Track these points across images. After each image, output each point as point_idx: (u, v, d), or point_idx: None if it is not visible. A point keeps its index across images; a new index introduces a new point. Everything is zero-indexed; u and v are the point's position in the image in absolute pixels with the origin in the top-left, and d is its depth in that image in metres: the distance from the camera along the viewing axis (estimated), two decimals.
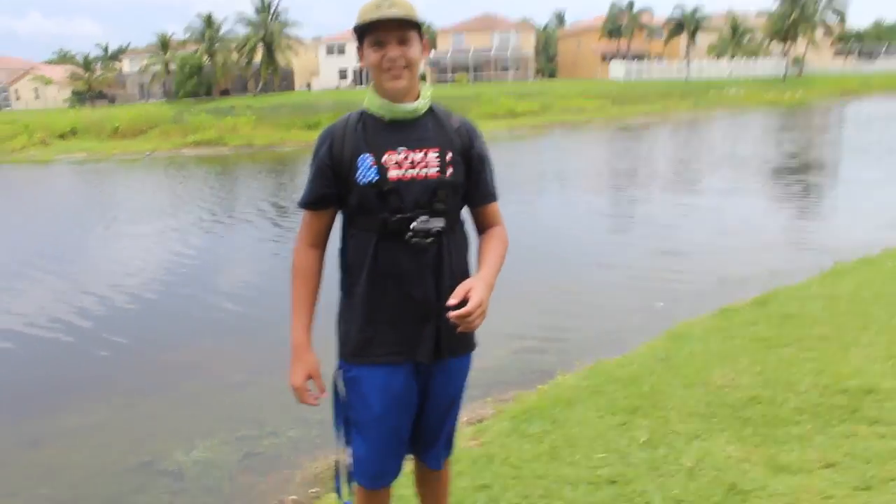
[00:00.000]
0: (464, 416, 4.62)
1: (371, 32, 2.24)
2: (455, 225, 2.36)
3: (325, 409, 5.88)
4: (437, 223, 2.26)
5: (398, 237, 2.25)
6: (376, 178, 2.24)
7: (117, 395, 6.90)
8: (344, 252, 2.41)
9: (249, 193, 19.97)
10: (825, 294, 6.75)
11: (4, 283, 11.21)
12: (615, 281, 9.26)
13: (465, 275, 2.38)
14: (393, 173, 2.25)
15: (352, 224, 2.37)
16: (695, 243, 10.96)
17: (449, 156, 2.30)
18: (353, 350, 2.38)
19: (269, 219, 15.73)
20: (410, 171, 2.26)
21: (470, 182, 2.38)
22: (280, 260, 12.06)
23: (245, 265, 11.76)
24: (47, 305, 9.87)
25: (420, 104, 2.32)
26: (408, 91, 2.29)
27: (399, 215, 2.24)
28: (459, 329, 2.18)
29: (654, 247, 10.94)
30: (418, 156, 2.27)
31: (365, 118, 2.34)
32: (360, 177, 2.25)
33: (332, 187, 2.33)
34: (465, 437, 4.25)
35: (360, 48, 2.31)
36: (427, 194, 2.26)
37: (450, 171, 2.29)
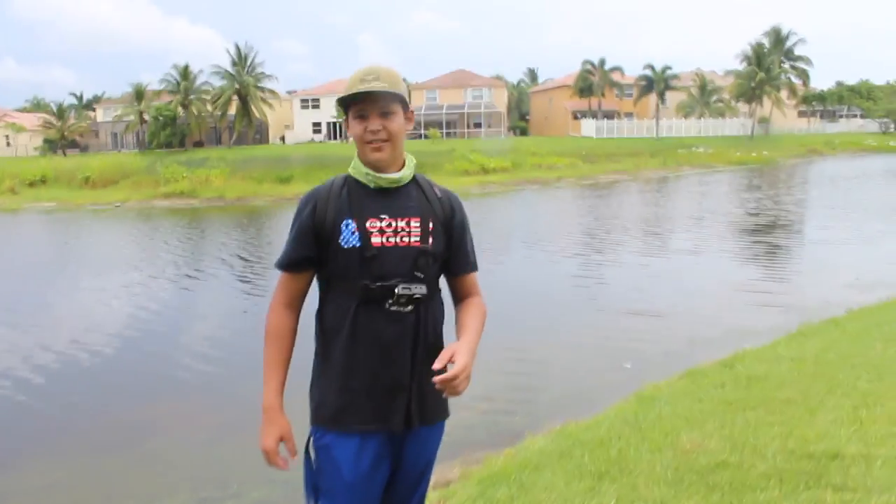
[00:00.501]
0: (431, 479, 4.55)
1: (355, 104, 2.27)
2: (433, 293, 2.36)
3: (290, 469, 5.79)
4: (419, 290, 2.26)
5: (378, 303, 2.24)
6: (359, 243, 2.25)
7: (78, 453, 6.75)
8: (320, 316, 2.38)
9: (218, 247, 19.85)
10: (791, 356, 6.80)
11: None
12: (584, 341, 9.27)
13: (439, 344, 2.38)
14: (376, 240, 2.25)
15: (330, 288, 2.35)
16: (662, 304, 11.02)
17: (431, 225, 2.32)
18: (327, 417, 2.33)
19: (236, 274, 15.64)
20: (393, 238, 2.27)
21: (450, 252, 2.40)
22: (248, 317, 11.97)
23: (211, 321, 11.64)
24: (4, 360, 9.67)
25: (404, 174, 2.34)
26: (391, 161, 2.31)
27: (380, 282, 2.23)
28: (445, 394, 2.17)
29: (622, 307, 10.99)
30: (401, 224, 2.28)
31: (350, 183, 2.36)
32: (343, 241, 2.26)
33: (312, 250, 2.32)
34: (431, 501, 4.18)
35: (345, 119, 2.34)
36: (408, 262, 2.26)
37: (431, 240, 2.30)
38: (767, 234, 18.73)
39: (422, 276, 2.28)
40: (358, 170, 2.34)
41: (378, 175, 2.29)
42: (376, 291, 2.23)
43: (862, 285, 11.55)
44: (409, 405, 2.30)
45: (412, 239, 2.28)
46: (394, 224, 2.27)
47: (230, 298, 13.19)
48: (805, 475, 4.03)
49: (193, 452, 6.52)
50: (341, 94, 2.28)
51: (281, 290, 2.40)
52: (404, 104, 2.31)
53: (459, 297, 2.50)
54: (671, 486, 4.05)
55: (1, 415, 7.83)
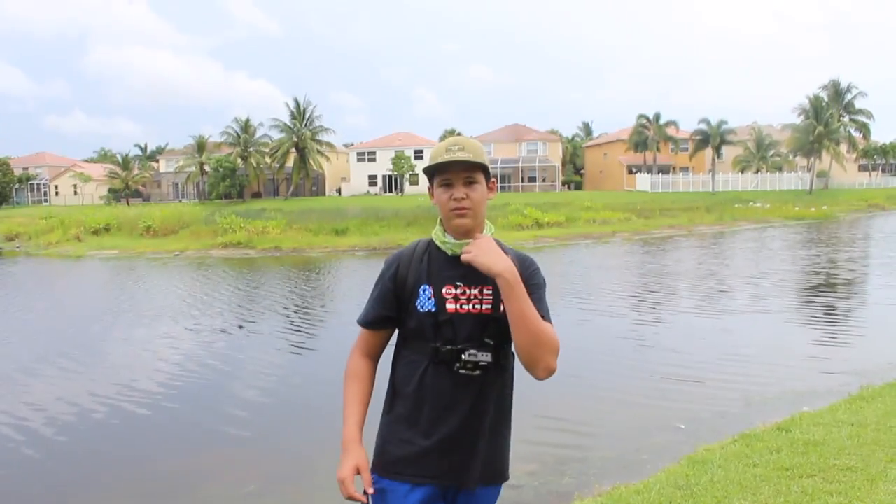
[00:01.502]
0: None
1: (440, 173, 2.40)
2: (503, 361, 2.42)
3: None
4: (485, 357, 2.35)
5: (447, 365, 2.35)
6: (433, 308, 2.38)
7: (128, 501, 6.83)
8: (393, 369, 2.51)
9: (271, 298, 20.12)
10: (851, 420, 6.60)
11: (18, 378, 11.33)
12: (636, 402, 9.09)
13: (507, 409, 2.49)
14: (450, 306, 2.38)
15: (405, 345, 2.48)
16: (717, 364, 10.76)
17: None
18: (384, 464, 2.43)
19: (289, 325, 15.80)
20: (465, 305, 2.39)
21: None
22: (299, 368, 12.09)
23: (261, 372, 11.73)
24: (55, 406, 9.88)
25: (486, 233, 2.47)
26: (472, 229, 2.42)
27: (450, 346, 2.34)
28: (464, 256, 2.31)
29: (674, 367, 10.79)
30: (474, 291, 2.39)
31: (431, 249, 2.48)
32: (420, 305, 2.40)
33: (391, 311, 2.46)
34: None
35: (430, 187, 2.47)
36: (479, 328, 2.37)
37: (502, 307, 2.35)
38: (827, 292, 18.29)
39: (491, 342, 2.37)
40: (439, 237, 2.47)
41: (456, 242, 2.41)
42: (445, 354, 2.35)
43: None
44: (465, 464, 2.38)
45: (484, 306, 2.39)
46: (468, 292, 2.40)
47: (281, 349, 13.32)
48: None
49: (244, 502, 6.55)
50: (429, 164, 2.41)
51: (361, 342, 2.57)
52: (487, 173, 2.44)
53: None
54: None
55: (49, 462, 7.96)
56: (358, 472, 2.42)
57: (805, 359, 10.98)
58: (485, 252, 2.28)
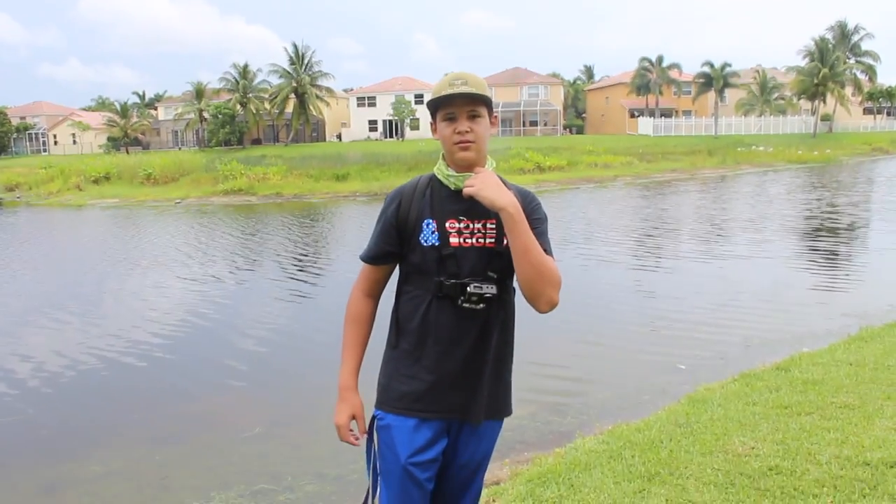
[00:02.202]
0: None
1: (443, 107, 2.37)
2: (505, 294, 2.44)
3: (341, 465, 5.88)
4: (490, 289, 2.35)
5: (451, 300, 2.35)
6: (437, 242, 2.38)
7: (134, 444, 6.95)
8: (396, 306, 2.51)
9: (274, 243, 20.16)
10: (850, 360, 6.65)
11: (25, 325, 11.42)
12: (636, 345, 9.15)
13: (510, 342, 2.50)
14: (453, 240, 2.37)
15: (407, 282, 2.48)
16: (717, 308, 10.82)
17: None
18: (390, 400, 2.46)
19: (292, 268, 15.85)
20: (469, 239, 2.38)
21: None
22: (300, 311, 12.17)
23: (265, 317, 11.81)
24: (65, 350, 10.00)
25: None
26: (476, 162, 2.40)
27: (454, 280, 2.35)
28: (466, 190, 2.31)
29: (676, 309, 10.86)
30: (477, 225, 2.39)
31: (433, 184, 2.47)
32: (423, 239, 2.39)
33: (394, 246, 2.46)
34: (481, 499, 4.22)
35: (433, 122, 2.45)
36: (482, 262, 2.37)
37: (505, 241, 2.36)
38: (827, 237, 18.29)
39: (495, 275, 2.38)
40: (441, 171, 2.45)
41: (458, 175, 2.40)
42: (449, 288, 2.35)
43: None
44: (470, 398, 2.41)
45: (487, 240, 2.39)
46: (471, 226, 2.39)
47: (282, 297, 13.38)
48: (860, 483, 3.96)
49: (247, 446, 6.65)
50: (432, 97, 2.38)
51: (362, 279, 2.57)
52: (489, 108, 2.42)
53: None
54: (721, 490, 4.02)
55: (60, 405, 8.09)
56: (353, 418, 2.47)
57: (805, 302, 11.05)
58: (488, 186, 2.26)
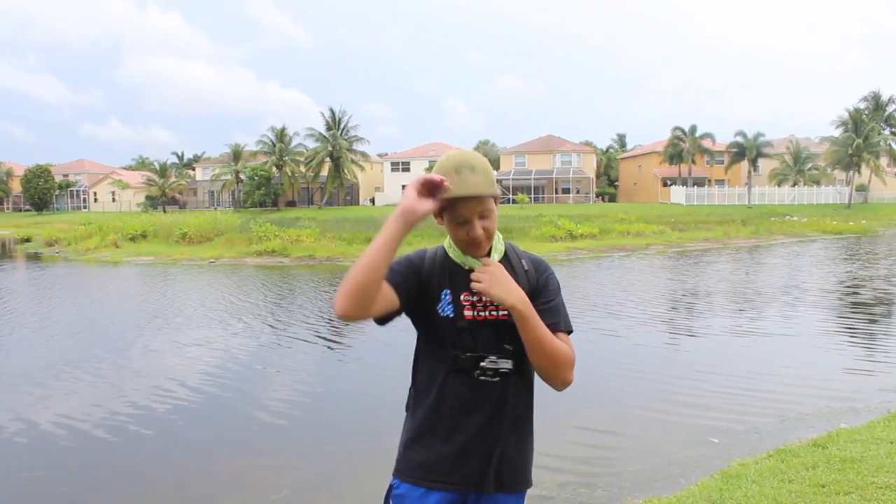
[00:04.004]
0: None
1: (452, 209, 2.31)
2: (523, 366, 2.41)
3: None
4: (506, 364, 2.34)
5: (467, 372, 2.34)
6: (452, 314, 2.37)
7: (159, 502, 6.90)
8: (414, 374, 2.52)
9: (305, 306, 20.24)
10: (890, 438, 6.48)
11: (51, 380, 11.50)
12: (669, 416, 8.97)
13: (528, 414, 2.49)
14: (467, 312, 2.38)
15: (425, 351, 2.48)
16: (752, 378, 10.62)
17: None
18: (404, 468, 2.45)
19: (321, 334, 15.88)
20: (482, 312, 2.38)
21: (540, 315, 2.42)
22: (328, 375, 12.14)
23: (298, 377, 11.80)
24: (86, 411, 10.00)
25: (494, 257, 2.42)
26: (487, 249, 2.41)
27: (469, 353, 2.34)
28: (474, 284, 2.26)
29: (709, 380, 10.68)
30: None
31: (446, 259, 2.44)
32: (440, 309, 2.38)
33: (411, 286, 2.37)
34: None
35: (439, 213, 2.34)
36: (497, 335, 2.36)
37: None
38: (865, 310, 17.98)
39: (510, 348, 2.36)
40: (453, 253, 2.43)
41: (472, 260, 2.39)
42: (465, 361, 2.34)
43: None
44: (484, 470, 2.38)
45: (500, 312, 2.36)
46: (484, 298, 2.36)
47: (316, 356, 13.40)
48: None
49: None
50: (443, 196, 2.26)
51: None
52: (496, 195, 2.39)
53: None
54: None
55: (84, 460, 8.08)
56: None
57: (842, 377, 10.79)
58: (497, 283, 2.24)
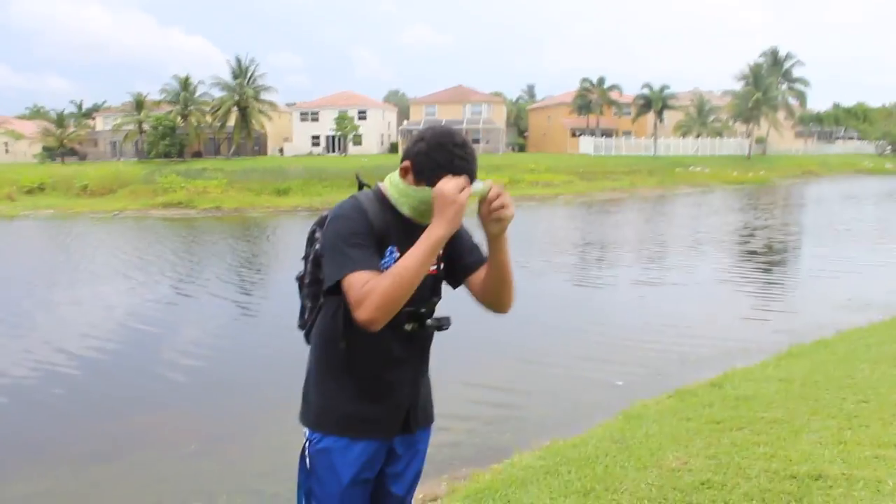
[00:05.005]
0: (418, 493, 4.57)
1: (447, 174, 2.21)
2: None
3: (278, 482, 5.81)
4: (447, 321, 2.36)
5: (397, 327, 2.27)
6: None
7: (64, 462, 6.75)
8: (333, 323, 2.36)
9: (212, 258, 19.88)
10: (780, 376, 6.83)
11: None
12: (573, 361, 9.24)
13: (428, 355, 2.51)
14: None
15: None
16: (654, 324, 11.02)
17: (440, 251, 2.33)
18: (329, 422, 2.39)
19: (230, 284, 15.65)
20: None
21: (463, 254, 2.44)
22: (240, 327, 12.01)
23: (202, 332, 11.63)
24: None
25: None
26: None
27: (409, 307, 2.24)
28: (493, 214, 2.17)
29: (613, 326, 11.02)
30: None
31: (386, 207, 2.32)
32: (384, 265, 2.23)
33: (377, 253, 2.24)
34: None
35: (410, 171, 2.26)
36: (429, 289, 2.36)
37: (441, 265, 2.40)
38: (761, 256, 18.78)
39: (437, 300, 2.40)
40: (404, 203, 2.31)
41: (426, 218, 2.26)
42: (406, 317, 2.29)
43: (853, 307, 11.60)
44: (413, 415, 2.44)
45: (432, 266, 2.35)
46: None
47: (218, 313, 13.19)
48: (787, 496, 4.05)
49: (181, 465, 6.52)
50: (431, 167, 2.20)
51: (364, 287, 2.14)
52: None
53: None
54: None
55: None
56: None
57: (739, 320, 11.31)
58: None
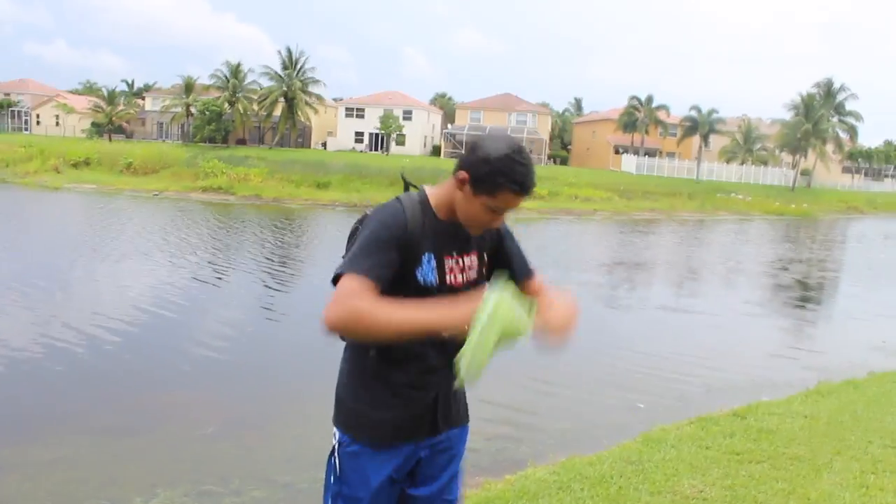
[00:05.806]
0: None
1: (494, 199, 2.19)
2: None
3: (292, 472, 5.84)
4: None
5: (441, 339, 2.24)
6: (435, 282, 2.27)
7: (87, 432, 6.86)
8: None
9: (248, 244, 20.06)
10: (805, 413, 6.73)
11: None
12: (599, 379, 9.17)
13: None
14: (449, 278, 2.31)
15: None
16: (682, 350, 10.89)
17: (485, 257, 2.42)
18: (360, 427, 2.37)
19: (261, 276, 15.76)
20: (460, 276, 2.34)
21: (511, 262, 2.47)
22: (265, 317, 12.10)
23: (234, 316, 11.74)
24: (22, 332, 9.85)
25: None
26: None
27: None
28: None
29: (642, 349, 10.91)
30: (466, 260, 2.36)
31: (427, 212, 2.28)
32: (421, 275, 2.24)
33: (396, 267, 2.18)
34: None
35: (473, 187, 2.19)
36: None
37: (485, 272, 2.40)
38: (797, 290, 18.52)
39: None
40: (442, 211, 2.30)
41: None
42: None
43: (888, 350, 11.38)
44: (436, 413, 2.41)
45: (473, 274, 2.38)
46: (461, 261, 2.34)
47: (248, 299, 13.32)
48: None
49: (198, 445, 6.58)
50: (500, 180, 2.18)
51: (363, 290, 2.08)
52: None
53: None
54: None
55: (11, 387, 7.96)
56: None
57: (768, 354, 11.13)
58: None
